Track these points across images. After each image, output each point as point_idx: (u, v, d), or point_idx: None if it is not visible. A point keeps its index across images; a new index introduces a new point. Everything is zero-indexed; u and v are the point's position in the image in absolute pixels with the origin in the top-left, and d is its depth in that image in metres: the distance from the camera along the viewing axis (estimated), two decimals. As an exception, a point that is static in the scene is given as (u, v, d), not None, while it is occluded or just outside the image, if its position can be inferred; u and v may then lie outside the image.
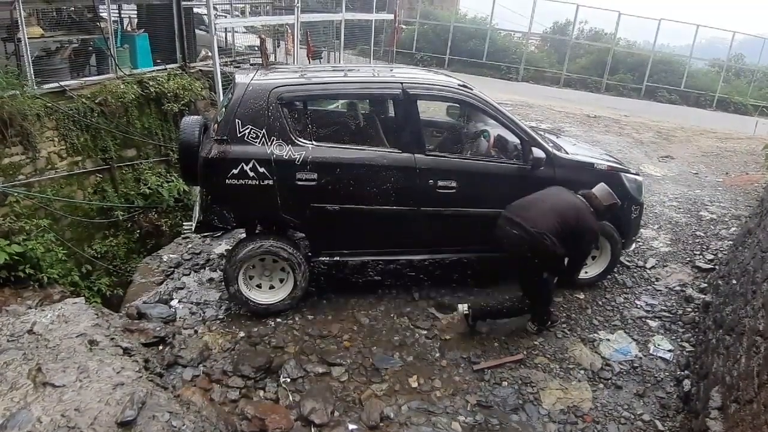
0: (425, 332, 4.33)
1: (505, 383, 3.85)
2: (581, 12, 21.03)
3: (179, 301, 4.70)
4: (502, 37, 22.38)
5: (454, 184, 4.30)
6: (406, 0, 21.82)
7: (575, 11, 20.88)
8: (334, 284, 4.91)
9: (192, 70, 9.40)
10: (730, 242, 5.56)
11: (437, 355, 4.11)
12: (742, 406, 2.78)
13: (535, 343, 4.26)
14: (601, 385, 3.92)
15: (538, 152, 4.35)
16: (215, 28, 8.10)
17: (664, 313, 4.74)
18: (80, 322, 3.62)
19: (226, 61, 10.97)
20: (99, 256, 7.21)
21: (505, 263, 4.53)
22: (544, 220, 3.84)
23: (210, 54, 8.78)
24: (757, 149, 8.48)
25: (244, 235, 4.65)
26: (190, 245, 5.76)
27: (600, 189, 4.14)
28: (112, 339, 3.47)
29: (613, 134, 10.79)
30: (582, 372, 4.01)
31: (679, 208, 6.81)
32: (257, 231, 4.53)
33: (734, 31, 20.83)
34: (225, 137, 3.97)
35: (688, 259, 5.56)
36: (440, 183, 4.28)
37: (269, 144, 4.01)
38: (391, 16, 14.38)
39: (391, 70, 5.46)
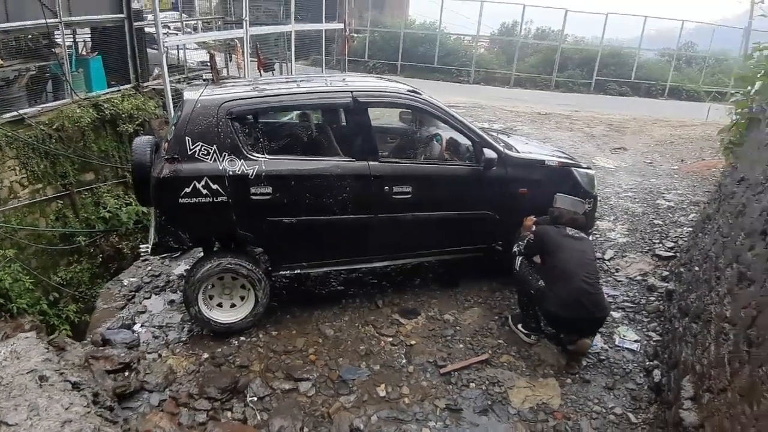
0: (390, 339, 4.31)
1: (472, 385, 3.85)
2: (528, 12, 21.59)
3: (142, 326, 4.58)
4: (452, 41, 22.74)
5: (409, 189, 4.31)
6: (355, 9, 21.92)
7: (522, 12, 21.40)
8: (296, 297, 4.85)
9: (145, 90, 9.32)
10: (690, 229, 5.68)
11: (404, 361, 4.08)
12: (715, 395, 2.78)
13: (500, 341, 4.28)
14: (569, 380, 3.93)
15: (489, 153, 4.40)
16: (164, 46, 7.98)
17: (627, 304, 4.82)
18: (31, 358, 3.46)
19: (178, 79, 10.84)
20: (65, 283, 7.09)
21: (463, 263, 4.56)
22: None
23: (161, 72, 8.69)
24: (712, 135, 8.59)
25: (202, 254, 4.55)
26: (149, 267, 5.64)
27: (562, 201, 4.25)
28: (62, 374, 3.32)
29: (565, 130, 11.05)
30: (548, 368, 4.03)
31: (635, 198, 6.99)
32: (215, 249, 4.44)
33: (683, 19, 21.55)
34: (176, 156, 3.88)
35: (648, 248, 5.69)
36: (396, 189, 4.28)
37: (221, 160, 3.93)
38: (341, 26, 14.41)
39: (344, 79, 5.46)
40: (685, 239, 5.52)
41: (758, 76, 5.32)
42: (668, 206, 6.66)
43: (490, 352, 4.17)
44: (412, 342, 4.28)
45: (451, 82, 19.94)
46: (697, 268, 4.16)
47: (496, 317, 4.60)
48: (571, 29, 22.17)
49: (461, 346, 4.25)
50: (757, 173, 3.56)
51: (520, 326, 4.35)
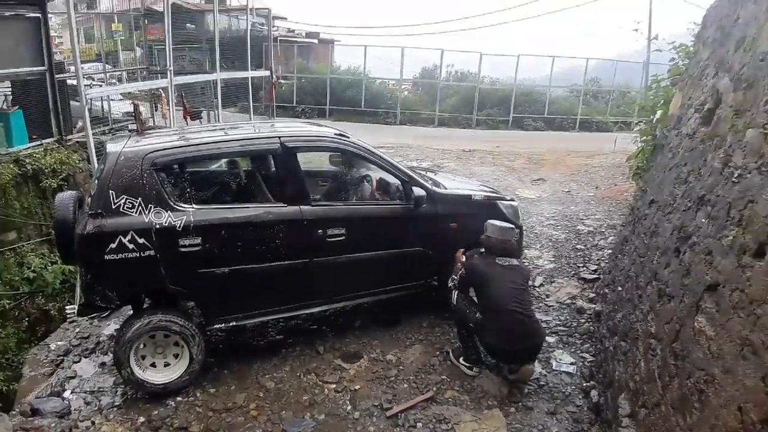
0: (334, 386, 4.20)
1: (419, 424, 3.79)
2: (447, 56, 22.61)
3: (72, 392, 4.25)
4: (377, 84, 23.46)
5: (343, 231, 4.31)
6: (281, 56, 22.20)
7: (441, 56, 22.42)
8: (234, 351, 4.65)
9: (69, 143, 9.02)
10: (610, 251, 6.00)
11: (349, 407, 3.98)
12: (650, 410, 2.87)
13: (443, 377, 4.27)
14: (513, 409, 3.96)
15: (418, 191, 4.50)
16: (87, 98, 7.73)
17: (560, 328, 4.97)
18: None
19: (103, 131, 10.53)
20: (-11, 350, 6.50)
21: (401, 301, 4.57)
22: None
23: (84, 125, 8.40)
24: (622, 161, 9.07)
25: (131, 312, 4.30)
26: (77, 329, 5.27)
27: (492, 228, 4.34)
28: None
29: (488, 165, 11.52)
30: (492, 399, 4.06)
31: (558, 226, 7.33)
32: (144, 306, 4.22)
33: (587, 57, 23.32)
34: (99, 211, 3.70)
35: (573, 272, 5.95)
36: (330, 232, 4.26)
37: (147, 212, 3.78)
38: (267, 73, 14.51)
39: (272, 125, 5.46)
40: (607, 261, 5.81)
41: (658, 105, 5.82)
42: (588, 231, 7.03)
43: (434, 389, 4.15)
44: (357, 387, 4.20)
45: (378, 124, 20.44)
46: (620, 288, 4.38)
47: (438, 353, 4.60)
48: (486, 71, 23.44)
49: (406, 385, 4.20)
50: (665, 195, 3.84)
51: (461, 359, 4.38)
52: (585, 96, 23.13)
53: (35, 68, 8.60)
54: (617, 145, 11.07)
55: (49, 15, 9.44)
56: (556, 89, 23.78)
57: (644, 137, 6.08)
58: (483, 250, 4.31)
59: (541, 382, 4.25)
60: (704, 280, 2.50)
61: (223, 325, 4.30)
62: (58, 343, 5.13)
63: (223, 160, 5.39)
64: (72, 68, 9.58)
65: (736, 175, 2.51)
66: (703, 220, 2.78)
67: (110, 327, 5.19)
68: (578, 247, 6.56)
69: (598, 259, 6.11)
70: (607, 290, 4.96)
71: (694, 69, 4.38)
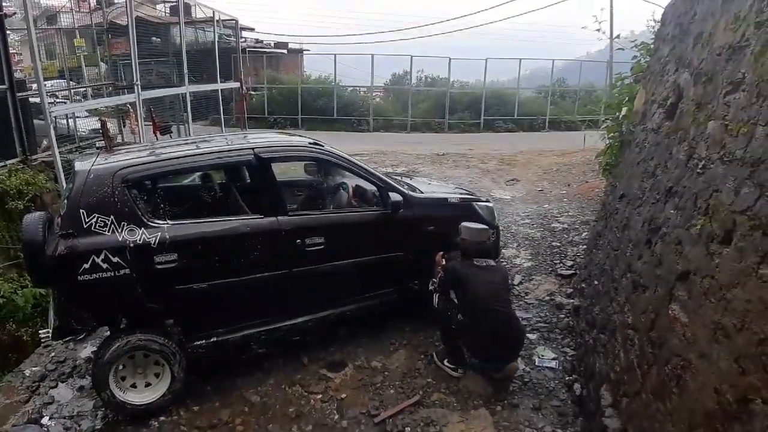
0: (320, 396, 4.18)
1: (407, 429, 3.79)
2: (416, 62, 22.82)
3: (51, 418, 4.12)
4: (348, 93, 23.51)
5: (322, 240, 4.30)
6: (251, 68, 22.09)
7: (410, 62, 22.60)
8: (216, 367, 4.59)
9: (35, 163, 8.67)
10: (584, 247, 6.13)
11: (336, 417, 3.96)
12: (631, 398, 2.93)
13: (429, 380, 4.29)
14: (499, 407, 4.00)
15: (395, 196, 4.53)
16: (52, 116, 7.55)
17: (541, 324, 5.05)
18: None
19: (70, 149, 10.25)
20: (-41, 379, 6.18)
21: (386, 307, 4.57)
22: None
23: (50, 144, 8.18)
24: (591, 159, 9.24)
25: (108, 333, 4.21)
26: (52, 354, 5.12)
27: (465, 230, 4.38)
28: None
29: (462, 168, 11.64)
30: (478, 399, 4.09)
31: (533, 224, 7.45)
32: (122, 326, 4.13)
33: (553, 59, 23.93)
34: (70, 231, 3.62)
35: (550, 269, 6.05)
36: (308, 241, 4.25)
37: (120, 230, 3.71)
38: (237, 84, 14.42)
39: (245, 137, 5.42)
40: (582, 257, 5.93)
41: (623, 102, 5.97)
42: (563, 228, 7.15)
43: (421, 392, 4.17)
44: (343, 395, 4.19)
45: (352, 132, 20.46)
46: (596, 282, 4.47)
47: (422, 356, 4.62)
48: (456, 75, 23.75)
49: (392, 391, 4.21)
50: (634, 189, 3.94)
51: (446, 362, 4.40)
52: (553, 96, 23.58)
53: (-5, 87, 8.35)
54: (586, 142, 11.33)
55: (8, 32, 9.18)
56: (525, 91, 24.23)
57: (611, 134, 6.22)
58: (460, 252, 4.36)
59: (525, 379, 4.30)
60: (676, 270, 2.58)
61: (204, 341, 4.23)
62: (33, 368, 4.97)
63: (197, 174, 5.33)
64: (34, 86, 9.37)
65: (700, 167, 2.60)
66: (672, 212, 2.87)
67: (86, 349, 5.07)
68: (554, 244, 6.67)
69: (573, 255, 6.22)
70: (584, 285, 5.05)
71: (655, 66, 4.52)
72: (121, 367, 3.90)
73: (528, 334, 4.83)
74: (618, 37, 9.98)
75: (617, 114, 6.16)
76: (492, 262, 4.31)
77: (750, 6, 2.44)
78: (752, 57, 2.30)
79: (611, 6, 20.35)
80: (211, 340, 4.23)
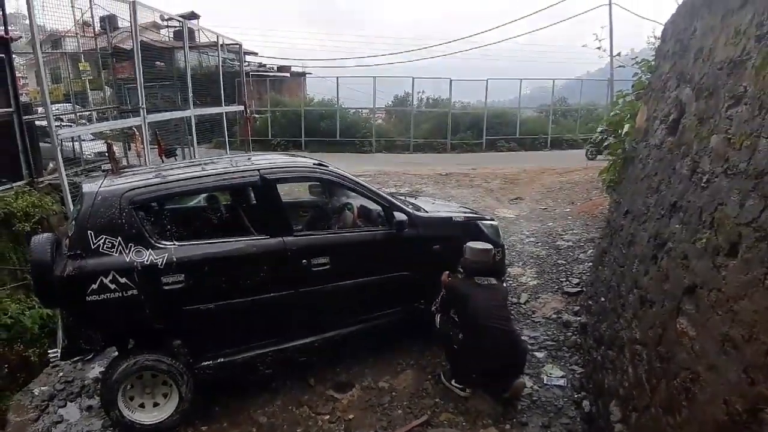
0: (327, 417, 4.15)
1: (416, 449, 3.79)
2: (417, 83, 23.07)
3: (61, 437, 4.11)
4: (351, 115, 23.69)
5: (327, 260, 4.31)
6: (255, 91, 22.36)
7: (412, 83, 22.85)
8: (224, 387, 4.57)
9: (41, 185, 8.75)
10: (590, 264, 6.11)
11: (344, 438, 3.95)
12: (641, 413, 2.91)
13: (437, 400, 4.26)
14: (508, 426, 3.97)
15: (400, 216, 4.55)
16: (58, 139, 7.64)
17: (548, 342, 5.01)
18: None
19: (75, 171, 10.33)
20: (-33, 400, 6.17)
21: (393, 327, 4.56)
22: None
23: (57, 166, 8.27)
24: (595, 176, 9.24)
25: (116, 353, 4.21)
26: (60, 374, 5.17)
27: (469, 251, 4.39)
28: None
29: (466, 187, 11.67)
30: (487, 418, 4.05)
31: (538, 242, 7.44)
32: (130, 346, 4.13)
33: (554, 78, 24.00)
34: (78, 252, 3.66)
35: (557, 287, 6.03)
36: (314, 261, 4.26)
37: (127, 252, 3.74)
38: (241, 108, 14.58)
39: (249, 158, 5.48)
40: (588, 274, 5.90)
41: (625, 119, 6.01)
42: (568, 246, 7.14)
43: (429, 413, 4.13)
44: (350, 416, 4.16)
45: (355, 153, 20.59)
46: (603, 299, 4.46)
47: (430, 376, 4.59)
48: (457, 96, 23.93)
49: (400, 411, 4.18)
50: (639, 205, 3.96)
51: (453, 381, 4.37)
52: (554, 115, 23.74)
53: (2, 110, 8.40)
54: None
55: (14, 55, 9.33)
56: (526, 110, 24.43)
57: (614, 151, 6.25)
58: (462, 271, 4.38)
59: (534, 398, 4.27)
60: (682, 283, 2.58)
61: (211, 362, 4.23)
62: (42, 388, 5.01)
63: (203, 196, 5.38)
64: (40, 109, 9.48)
65: (704, 181, 2.61)
66: (677, 226, 2.88)
67: (94, 369, 5.09)
68: (559, 262, 6.66)
69: (579, 273, 6.20)
70: (590, 302, 5.03)
71: (656, 82, 4.56)
72: (129, 386, 3.91)
73: (536, 353, 4.81)
74: (619, 54, 10.10)
75: (619, 131, 6.19)
76: (493, 281, 4.32)
77: (750, 20, 2.48)
78: (753, 70, 2.33)
79: (610, 24, 20.66)
80: (218, 360, 4.22)
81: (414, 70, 24.35)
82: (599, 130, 11.60)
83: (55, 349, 4.12)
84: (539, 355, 4.81)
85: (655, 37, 5.50)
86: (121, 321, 3.83)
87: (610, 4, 22.66)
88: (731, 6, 2.78)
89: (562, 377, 4.50)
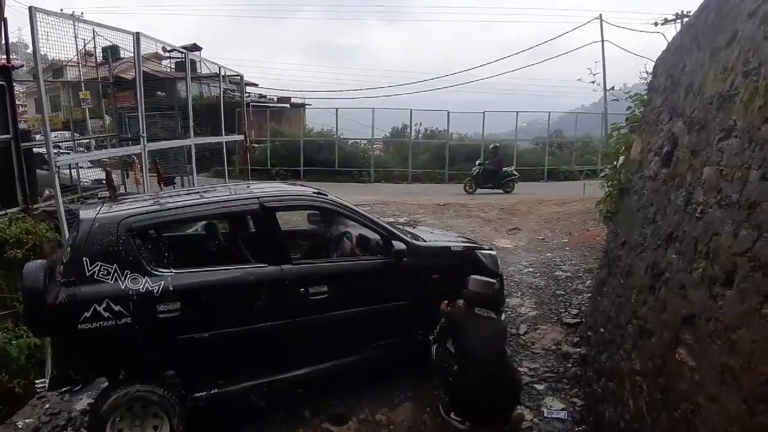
0: (323, 450, 4.09)
1: (414, 484, 3.71)
2: (415, 115, 23.42)
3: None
4: (349, 145, 24.01)
5: (325, 289, 4.29)
6: (254, 121, 22.61)
7: (410, 115, 23.19)
8: (216, 420, 4.49)
9: (36, 212, 8.77)
10: (589, 294, 6.10)
11: (340, 471, 3.87)
12: None
13: (436, 432, 4.21)
14: (507, 459, 3.92)
15: (398, 245, 4.55)
16: (56, 166, 7.67)
17: (548, 374, 4.95)
18: None
19: (72, 198, 10.32)
20: (-53, 432, 6.01)
21: (390, 358, 4.52)
22: None
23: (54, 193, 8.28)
24: (592, 207, 9.09)
25: (106, 383, 4.14)
26: (47, 405, 5.00)
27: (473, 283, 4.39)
28: None
29: (463, 217, 11.70)
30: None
31: (536, 273, 7.42)
32: (121, 376, 4.06)
33: (549, 111, 24.50)
34: (72, 279, 3.63)
35: (556, 317, 5.99)
36: (312, 290, 4.24)
37: (123, 279, 3.72)
38: (241, 137, 14.71)
39: (248, 187, 5.51)
40: (587, 304, 5.88)
41: (620, 152, 6.09)
42: (566, 276, 7.13)
43: (427, 444, 4.07)
44: (346, 450, 4.08)
45: (353, 183, 20.74)
46: (602, 330, 4.43)
47: (428, 409, 4.51)
48: (454, 128, 24.34)
49: (397, 442, 4.11)
50: (635, 235, 3.98)
51: (452, 414, 4.31)
52: (550, 147, 24.06)
53: (0, 136, 8.50)
54: (586, 191, 11.43)
55: (14, 83, 9.45)
56: (522, 142, 24.75)
57: (610, 182, 6.31)
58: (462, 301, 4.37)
59: (534, 431, 4.20)
60: (680, 313, 2.59)
61: (204, 393, 4.15)
62: (26, 420, 4.87)
63: (201, 223, 5.39)
64: (38, 136, 9.55)
65: (699, 211, 2.65)
66: (674, 256, 2.90)
67: (82, 401, 4.95)
68: (558, 292, 6.64)
69: (578, 303, 6.18)
70: (590, 333, 5.00)
71: (649, 115, 4.65)
72: (118, 419, 3.80)
73: (536, 385, 4.76)
74: (612, 88, 10.27)
75: (615, 163, 6.26)
76: (493, 315, 4.31)
77: (737, 57, 2.56)
78: (742, 105, 2.39)
79: (603, 59, 21.10)
80: (212, 391, 4.14)
81: (412, 103, 24.76)
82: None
83: (42, 380, 4.05)
84: (539, 387, 4.75)
85: (647, 72, 5.62)
86: (113, 350, 3.77)
87: (602, 41, 23.26)
88: (719, 43, 2.87)
89: (562, 410, 4.44)
